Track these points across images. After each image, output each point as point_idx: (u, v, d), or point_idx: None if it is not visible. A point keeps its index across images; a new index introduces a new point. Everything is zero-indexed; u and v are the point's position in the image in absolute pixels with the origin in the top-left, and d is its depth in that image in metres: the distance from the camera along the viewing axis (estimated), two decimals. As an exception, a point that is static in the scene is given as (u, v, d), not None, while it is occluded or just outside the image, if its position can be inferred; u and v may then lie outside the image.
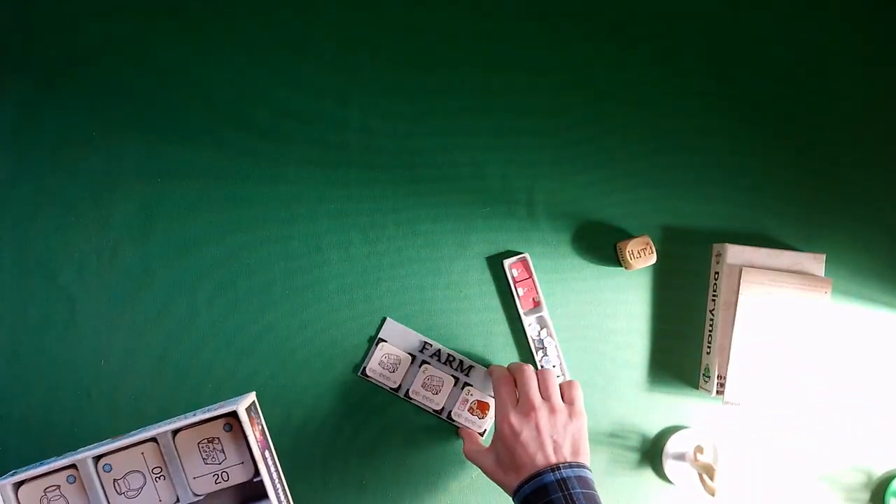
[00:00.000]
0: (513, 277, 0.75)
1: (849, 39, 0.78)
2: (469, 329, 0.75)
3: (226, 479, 0.46)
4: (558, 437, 0.59)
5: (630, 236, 0.75)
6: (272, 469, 0.44)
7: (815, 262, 0.74)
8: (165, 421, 0.41)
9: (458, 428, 0.73)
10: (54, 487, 0.43)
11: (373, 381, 0.73)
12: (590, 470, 0.58)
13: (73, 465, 0.42)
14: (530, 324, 0.75)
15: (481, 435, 0.73)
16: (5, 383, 0.73)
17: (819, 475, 0.77)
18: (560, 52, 0.77)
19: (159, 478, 0.45)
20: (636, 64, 0.77)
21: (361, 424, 0.74)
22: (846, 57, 0.78)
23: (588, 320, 0.76)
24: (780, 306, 0.73)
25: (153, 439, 0.42)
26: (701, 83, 0.77)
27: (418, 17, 0.76)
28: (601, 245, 0.76)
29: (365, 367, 0.73)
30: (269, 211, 0.75)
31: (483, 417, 0.73)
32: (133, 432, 0.41)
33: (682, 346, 0.77)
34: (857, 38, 0.78)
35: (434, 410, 0.73)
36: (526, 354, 0.75)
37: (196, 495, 0.45)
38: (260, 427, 0.45)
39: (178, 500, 0.45)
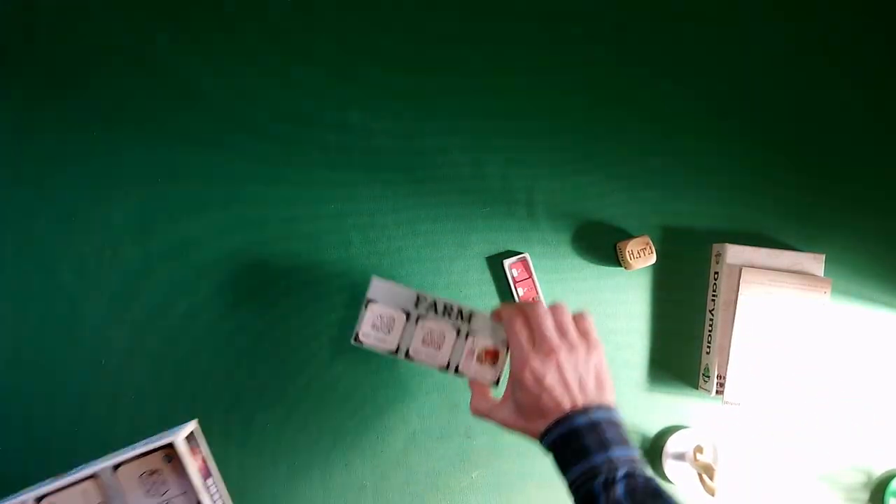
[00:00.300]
0: (513, 277, 0.75)
1: (849, 40, 0.78)
2: (469, 329, 0.75)
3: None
4: (583, 375, 0.55)
5: (630, 236, 0.75)
6: (216, 497, 0.44)
7: (814, 262, 0.74)
8: (106, 456, 0.41)
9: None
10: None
11: (368, 346, 0.65)
12: (616, 410, 0.54)
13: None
14: (530, 324, 0.75)
15: (495, 384, 0.65)
16: (5, 383, 0.73)
17: (819, 475, 0.77)
18: (560, 53, 0.77)
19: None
20: (636, 65, 0.77)
21: (362, 424, 0.74)
22: (846, 57, 0.78)
23: (588, 320, 0.76)
24: (779, 306, 0.73)
25: (93, 475, 0.41)
26: (701, 84, 0.77)
27: (418, 19, 0.76)
28: (601, 245, 0.76)
29: (358, 333, 0.65)
30: (270, 211, 0.75)
31: (494, 365, 0.65)
32: (74, 470, 0.41)
33: (682, 346, 0.77)
34: (857, 39, 0.78)
35: (439, 367, 0.65)
36: (526, 354, 0.75)
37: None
38: (201, 455, 0.45)
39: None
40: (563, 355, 0.55)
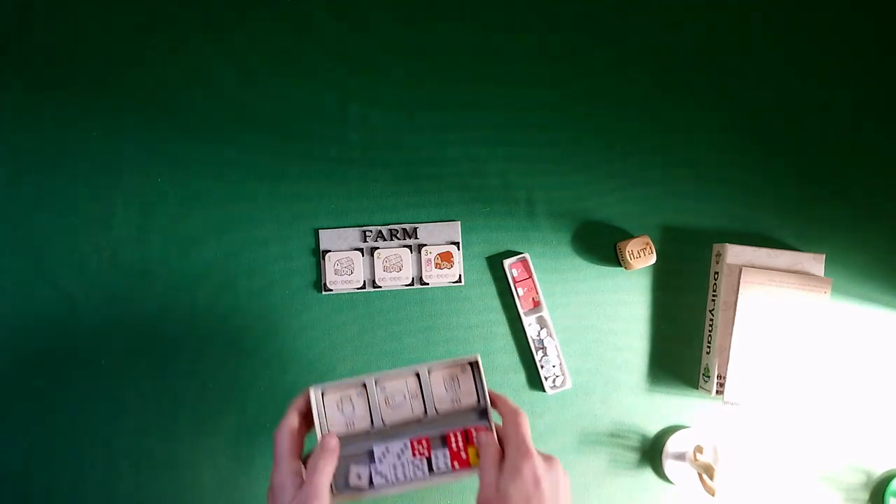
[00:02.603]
0: (513, 277, 0.75)
1: (848, 40, 0.78)
2: (469, 329, 0.75)
3: (459, 403, 0.62)
4: (566, 498, 0.55)
5: (630, 236, 0.75)
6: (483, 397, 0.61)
7: (815, 262, 0.74)
8: (425, 363, 0.61)
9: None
10: (348, 396, 0.61)
11: (338, 291, 0.73)
12: None
13: (362, 384, 0.60)
14: (530, 324, 0.75)
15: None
16: (6, 383, 0.73)
17: (819, 475, 0.77)
18: (560, 54, 0.77)
19: (415, 398, 0.62)
20: (636, 65, 0.77)
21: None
22: (846, 58, 0.78)
23: (588, 320, 0.76)
24: (779, 306, 0.73)
25: (416, 374, 0.61)
26: (701, 84, 0.77)
27: (418, 20, 0.76)
28: (601, 245, 0.76)
29: (325, 283, 0.73)
30: (270, 210, 0.75)
31: (451, 267, 0.74)
32: (400, 368, 0.61)
33: (682, 346, 0.77)
34: (857, 39, 0.78)
35: (406, 285, 0.74)
36: (526, 354, 0.75)
37: (437, 412, 0.61)
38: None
39: (425, 412, 0.61)
40: (560, 473, 0.56)
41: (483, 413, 0.61)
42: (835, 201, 0.77)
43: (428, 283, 0.74)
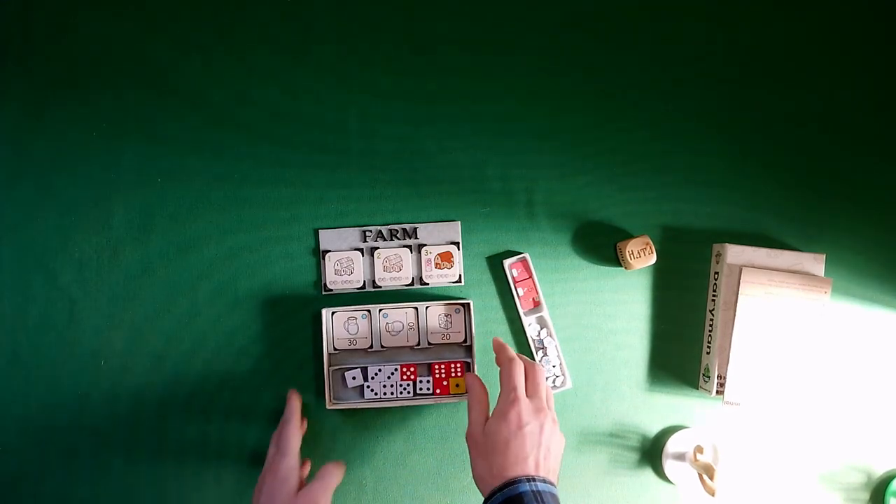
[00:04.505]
0: (513, 277, 0.75)
1: (848, 40, 0.78)
2: (469, 329, 0.75)
3: (448, 338, 0.73)
4: (552, 446, 0.59)
5: (630, 236, 0.75)
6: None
7: (815, 262, 0.74)
8: (423, 302, 0.72)
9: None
10: (353, 318, 0.72)
11: (338, 291, 0.73)
12: (557, 490, 0.57)
13: (367, 310, 0.72)
14: (530, 324, 0.75)
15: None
16: (5, 383, 0.73)
17: (819, 475, 0.77)
18: (560, 54, 0.77)
19: (411, 329, 0.72)
20: (636, 65, 0.77)
21: (361, 423, 0.74)
22: (846, 57, 0.78)
23: (588, 320, 0.76)
24: (780, 306, 0.73)
25: (415, 308, 0.72)
26: (701, 84, 0.77)
27: (417, 20, 0.76)
28: (601, 245, 0.76)
29: (325, 283, 0.73)
30: (270, 211, 0.75)
31: (451, 267, 0.74)
32: (402, 303, 0.72)
33: (682, 346, 0.76)
34: (857, 39, 0.78)
35: (406, 285, 0.74)
36: (526, 354, 0.75)
37: (429, 344, 0.73)
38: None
39: (418, 343, 0.73)
40: (549, 421, 0.59)
41: (468, 350, 0.73)
42: (835, 201, 0.77)
43: (428, 283, 0.74)
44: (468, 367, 0.72)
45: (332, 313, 0.72)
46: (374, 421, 0.74)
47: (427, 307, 0.72)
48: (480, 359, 0.72)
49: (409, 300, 0.74)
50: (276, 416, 0.72)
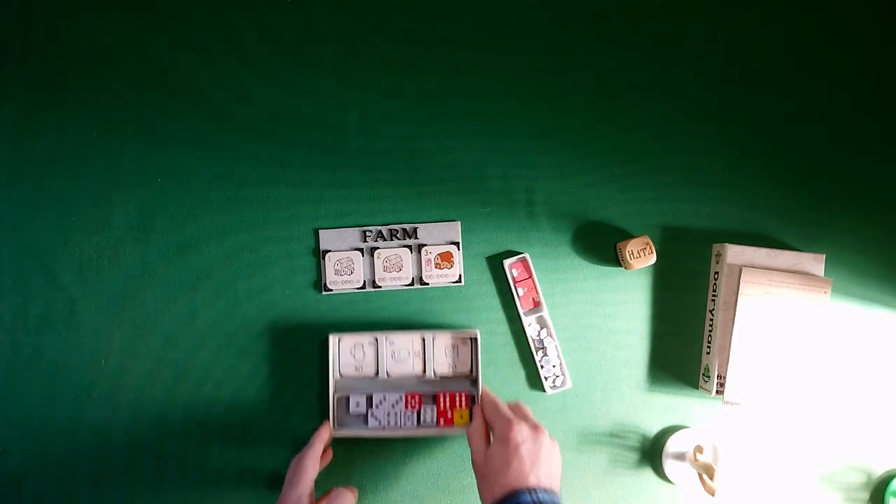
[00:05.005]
0: (513, 277, 0.75)
1: (848, 40, 0.78)
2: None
3: (455, 369, 0.72)
4: (552, 462, 0.61)
5: (630, 236, 0.75)
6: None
7: (815, 262, 0.74)
8: (431, 330, 0.72)
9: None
10: (360, 344, 0.72)
11: (338, 291, 0.73)
12: (560, 497, 0.59)
13: (374, 337, 0.72)
14: (530, 324, 0.75)
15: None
16: (5, 383, 0.73)
17: (819, 475, 0.77)
18: (560, 54, 0.77)
19: (417, 357, 0.72)
20: (636, 65, 0.77)
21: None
22: (846, 57, 0.78)
23: (588, 320, 0.76)
24: (780, 306, 0.73)
25: (422, 337, 0.72)
26: (700, 84, 0.77)
27: (417, 21, 0.76)
28: (601, 245, 0.76)
29: (325, 283, 0.73)
30: (270, 211, 0.75)
31: (451, 267, 0.74)
32: (410, 331, 0.72)
33: (682, 346, 0.76)
34: (857, 39, 0.78)
35: (406, 285, 0.74)
36: (526, 354, 0.75)
37: (435, 374, 0.72)
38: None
39: (424, 372, 0.72)
40: (546, 438, 0.62)
41: (474, 382, 0.72)
42: (835, 201, 0.77)
43: (428, 283, 0.74)
44: (473, 400, 0.71)
45: (339, 339, 0.71)
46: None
47: (434, 337, 0.71)
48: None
49: (410, 299, 0.74)
50: (276, 417, 0.72)
